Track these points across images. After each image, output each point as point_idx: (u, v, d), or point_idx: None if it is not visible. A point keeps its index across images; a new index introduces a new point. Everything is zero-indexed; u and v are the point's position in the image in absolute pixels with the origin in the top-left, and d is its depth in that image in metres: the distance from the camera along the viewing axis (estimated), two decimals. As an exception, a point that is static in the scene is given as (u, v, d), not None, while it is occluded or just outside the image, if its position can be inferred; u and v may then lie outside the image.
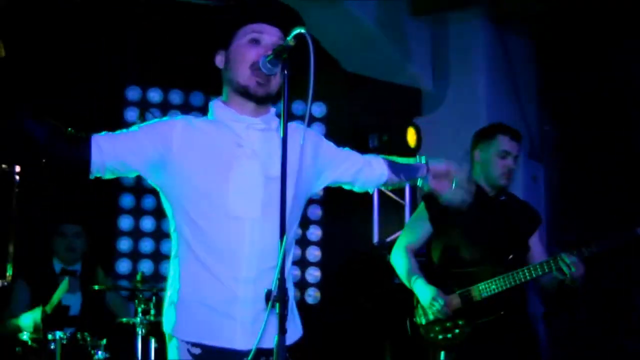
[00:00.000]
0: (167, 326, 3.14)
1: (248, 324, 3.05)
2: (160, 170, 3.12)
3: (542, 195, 7.68)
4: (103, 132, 3.09)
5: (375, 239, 7.57)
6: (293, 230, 3.26)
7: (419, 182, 3.59)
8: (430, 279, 5.04)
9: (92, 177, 3.05)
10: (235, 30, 3.24)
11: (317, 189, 3.49)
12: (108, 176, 3.10)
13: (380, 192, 7.62)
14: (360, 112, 7.68)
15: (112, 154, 3.02)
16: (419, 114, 7.85)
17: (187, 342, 3.06)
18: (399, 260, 5.21)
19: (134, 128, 3.16)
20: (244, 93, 3.18)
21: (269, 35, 3.19)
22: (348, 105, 7.68)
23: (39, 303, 5.76)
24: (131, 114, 7.08)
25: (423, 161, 3.59)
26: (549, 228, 7.20)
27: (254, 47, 3.16)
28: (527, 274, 4.85)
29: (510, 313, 4.93)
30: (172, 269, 3.18)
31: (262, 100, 3.19)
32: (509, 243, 5.03)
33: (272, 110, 3.30)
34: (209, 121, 3.24)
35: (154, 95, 7.28)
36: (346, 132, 7.45)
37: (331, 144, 3.49)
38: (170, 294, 3.16)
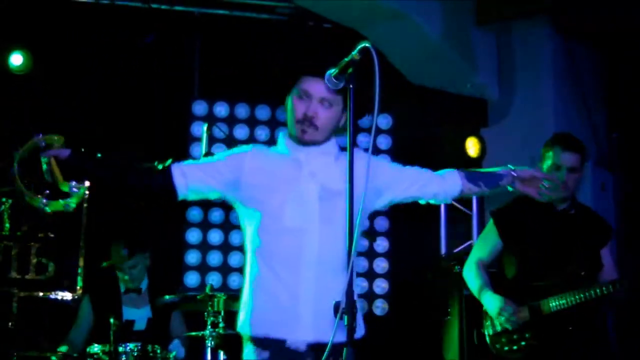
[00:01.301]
0: (240, 326, 3.52)
1: (310, 320, 3.40)
2: (235, 192, 3.56)
3: (611, 203, 7.56)
4: (188, 161, 3.58)
5: (443, 250, 7.54)
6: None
7: (509, 188, 3.82)
8: (502, 293, 5.01)
9: (179, 199, 3.51)
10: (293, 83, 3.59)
11: (379, 207, 3.75)
12: (192, 197, 3.57)
13: (448, 204, 7.59)
14: (426, 123, 7.67)
15: (194, 178, 3.49)
16: (485, 124, 7.81)
17: (258, 347, 3.42)
18: (470, 275, 5.21)
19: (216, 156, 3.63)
20: (294, 138, 3.60)
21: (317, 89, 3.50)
22: (414, 117, 7.67)
23: (101, 321, 5.85)
24: (197, 128, 7.15)
25: (510, 167, 3.81)
26: (618, 236, 7.09)
27: (302, 102, 3.54)
28: (598, 291, 4.79)
29: (580, 329, 4.87)
30: (245, 277, 3.57)
31: (309, 144, 3.56)
32: (579, 257, 4.97)
33: (333, 140, 3.65)
34: (275, 150, 3.67)
35: (221, 110, 7.35)
36: (412, 143, 7.44)
37: (394, 165, 3.79)
38: (244, 298, 3.53)
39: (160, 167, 3.45)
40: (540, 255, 5.01)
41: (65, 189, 3.33)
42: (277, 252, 3.47)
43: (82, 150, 3.37)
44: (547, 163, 5.02)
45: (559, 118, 7.36)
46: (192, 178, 3.48)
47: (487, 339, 5.09)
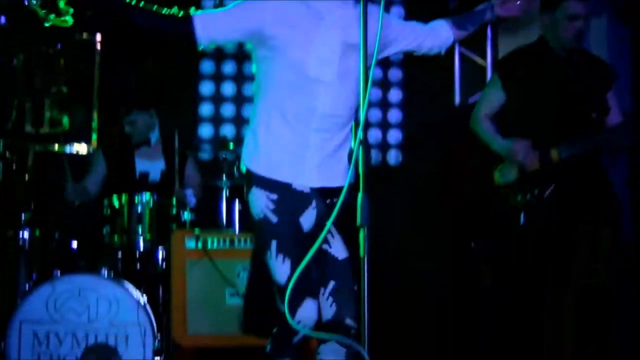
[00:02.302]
0: (247, 161, 3.64)
1: (315, 167, 3.57)
2: (256, 41, 3.55)
3: (627, 57, 7.42)
4: (207, 11, 3.59)
5: (457, 100, 7.51)
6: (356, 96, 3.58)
7: (489, 16, 3.92)
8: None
9: (199, 48, 3.49)
10: None
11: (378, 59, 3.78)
12: (211, 47, 3.59)
13: (461, 54, 7.53)
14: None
15: (216, 28, 3.47)
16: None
17: (267, 188, 3.55)
18: (477, 127, 5.18)
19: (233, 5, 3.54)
20: None
21: None
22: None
23: (114, 174, 5.90)
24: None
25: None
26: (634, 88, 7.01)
27: None
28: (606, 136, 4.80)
29: (589, 178, 4.88)
30: (253, 122, 3.66)
31: None
32: (585, 103, 4.94)
33: None
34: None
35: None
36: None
37: (398, 21, 3.89)
38: (251, 140, 3.65)
39: (181, 14, 3.43)
40: (545, 103, 4.98)
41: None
42: (292, 102, 3.53)
43: None
44: (558, 15, 4.95)
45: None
46: (214, 28, 3.47)
47: (501, 190, 5.11)
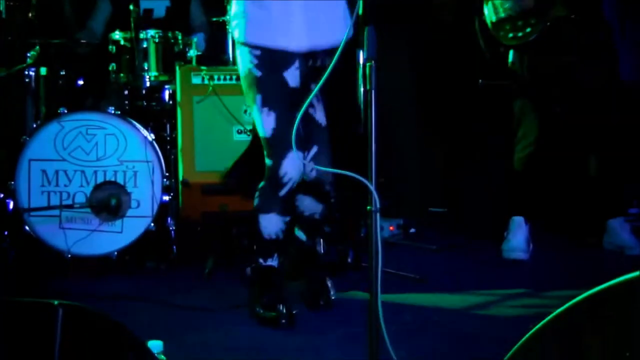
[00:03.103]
0: (238, 35, 3.71)
1: (301, 29, 3.60)
2: None
3: None
4: None
5: None
6: None
7: None
8: None
9: None
10: None
11: None
12: None
13: None
14: None
15: None
16: None
17: (251, 47, 3.65)
18: None
19: None
20: None
21: None
22: None
23: (119, 9, 5.80)
24: None
25: None
26: None
27: None
28: None
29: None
30: None
31: None
32: None
33: None
34: None
35: None
36: None
37: None
38: (235, 9, 3.73)
39: None
40: None
41: None
42: None
43: None
44: None
45: None
46: None
47: (491, 27, 5.01)
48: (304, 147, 3.67)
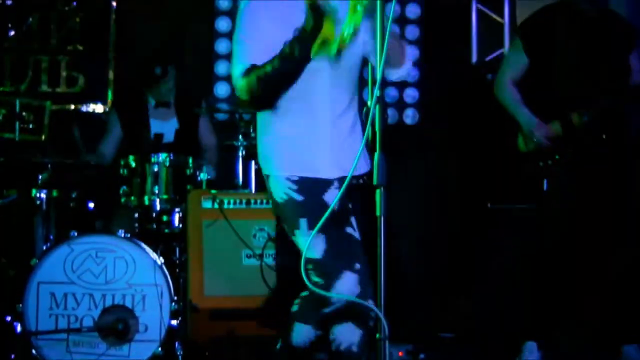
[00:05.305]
0: (267, 168, 3.63)
1: (329, 157, 3.55)
2: None
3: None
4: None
5: (474, 58, 7.45)
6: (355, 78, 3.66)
7: None
8: (533, 109, 4.96)
9: None
10: None
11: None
12: None
13: (479, 11, 7.46)
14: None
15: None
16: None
17: (285, 174, 3.54)
18: (502, 94, 5.12)
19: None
20: None
21: None
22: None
23: (130, 134, 5.88)
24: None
25: None
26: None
27: None
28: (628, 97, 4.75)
29: (612, 139, 4.84)
30: (262, 120, 3.63)
31: None
32: (607, 63, 4.88)
33: None
34: None
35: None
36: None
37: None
38: (264, 138, 3.63)
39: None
40: (567, 65, 4.92)
41: None
42: (298, 92, 3.48)
43: None
44: None
45: None
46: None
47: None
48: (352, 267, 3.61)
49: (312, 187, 3.54)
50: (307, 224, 3.49)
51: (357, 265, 3.48)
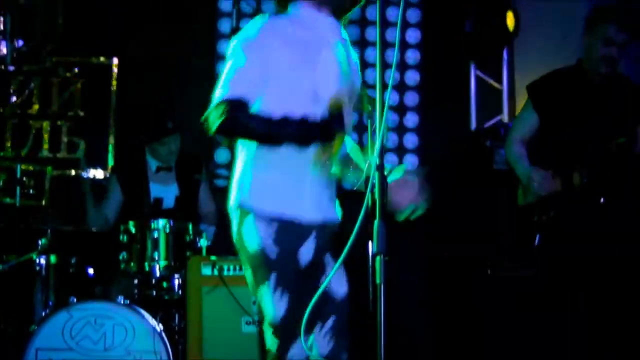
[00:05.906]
0: (241, 196, 3.42)
1: (315, 199, 3.44)
2: None
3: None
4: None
5: (473, 125, 7.50)
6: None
7: None
8: (539, 162, 5.00)
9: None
10: None
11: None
12: None
13: (478, 78, 7.52)
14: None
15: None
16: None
17: (264, 220, 3.36)
18: (508, 150, 5.19)
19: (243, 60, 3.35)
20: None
21: None
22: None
23: (130, 199, 5.89)
24: (226, 3, 7.08)
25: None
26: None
27: None
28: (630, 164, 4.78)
29: (611, 201, 4.86)
30: (244, 156, 3.46)
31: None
32: (614, 129, 4.92)
33: None
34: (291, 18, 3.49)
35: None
36: (442, 16, 7.31)
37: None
38: (240, 175, 3.45)
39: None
40: (574, 126, 4.96)
41: None
42: None
43: None
44: (593, 36, 4.91)
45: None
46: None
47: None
48: (315, 322, 3.53)
49: (290, 238, 3.37)
50: (275, 280, 3.34)
51: (322, 326, 3.48)
